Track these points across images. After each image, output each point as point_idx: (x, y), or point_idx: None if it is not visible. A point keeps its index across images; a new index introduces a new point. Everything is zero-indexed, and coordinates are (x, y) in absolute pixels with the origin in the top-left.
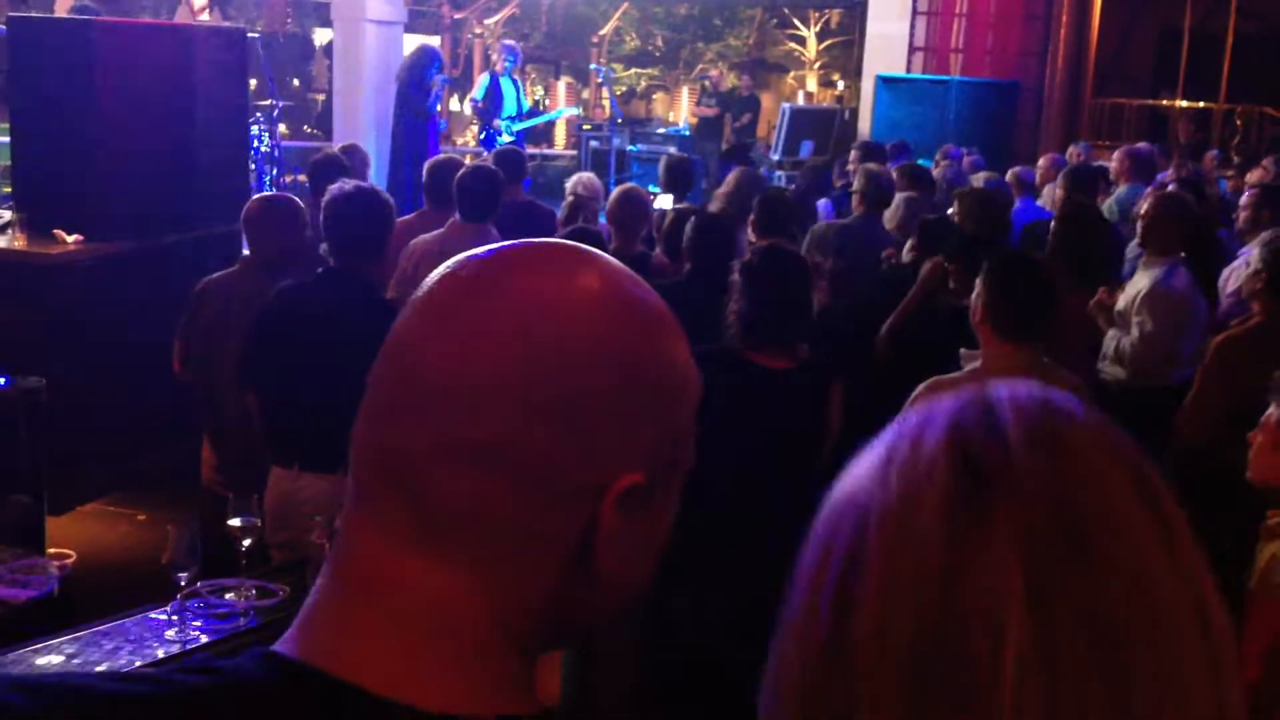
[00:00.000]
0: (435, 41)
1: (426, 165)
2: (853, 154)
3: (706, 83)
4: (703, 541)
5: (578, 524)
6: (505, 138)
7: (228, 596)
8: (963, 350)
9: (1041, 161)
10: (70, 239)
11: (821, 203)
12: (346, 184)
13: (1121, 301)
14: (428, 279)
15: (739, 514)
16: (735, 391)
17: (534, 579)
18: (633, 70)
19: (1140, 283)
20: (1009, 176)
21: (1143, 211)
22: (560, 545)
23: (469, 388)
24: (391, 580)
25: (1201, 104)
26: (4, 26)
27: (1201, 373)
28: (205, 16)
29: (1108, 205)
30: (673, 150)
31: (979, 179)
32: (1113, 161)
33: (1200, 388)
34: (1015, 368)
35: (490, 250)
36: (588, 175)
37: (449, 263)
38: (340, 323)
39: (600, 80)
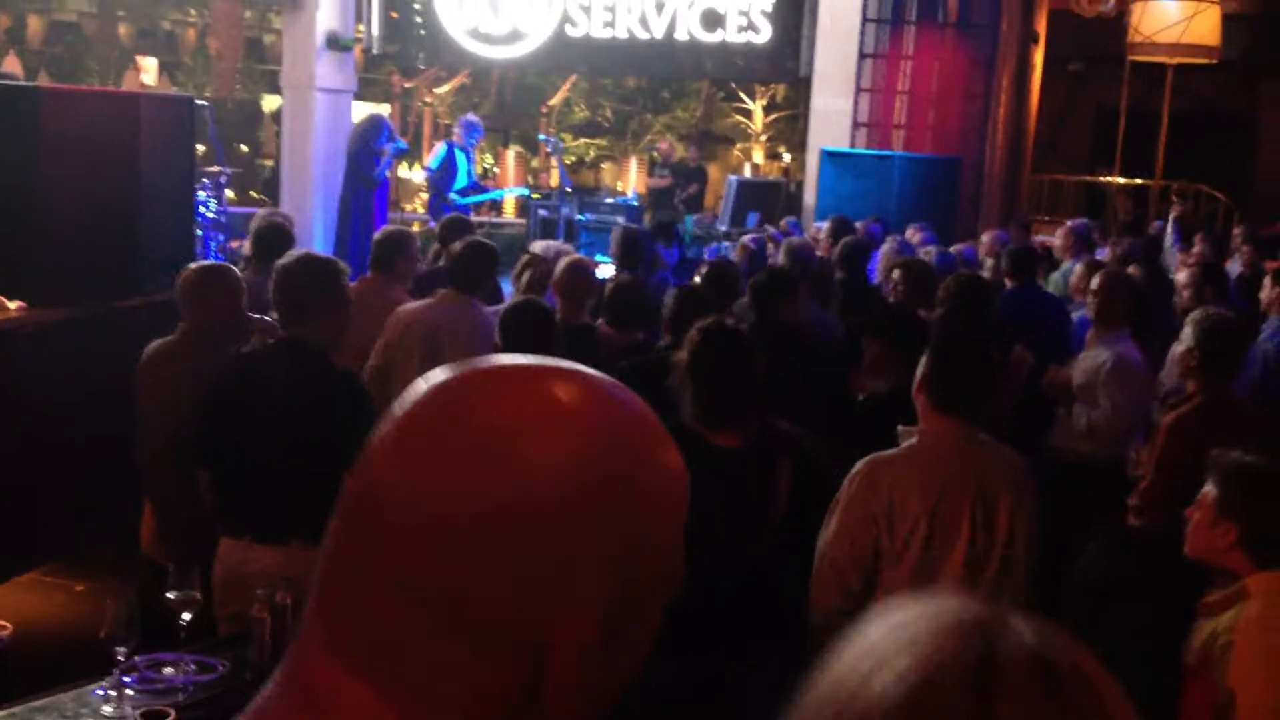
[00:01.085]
0: (385, 110)
1: (376, 234)
2: (825, 226)
3: (657, 154)
4: (679, 610)
5: (521, 674)
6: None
7: (166, 671)
8: (900, 427)
9: (985, 237)
10: (12, 305)
11: None
12: (296, 251)
13: (1080, 376)
14: (406, 394)
15: (690, 586)
16: (691, 471)
17: (473, 717)
18: (581, 140)
19: (1099, 356)
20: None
21: (1095, 287)
22: (500, 690)
23: (411, 522)
24: (329, 694)
25: (1139, 180)
26: None
27: (1157, 457)
28: (153, 82)
29: (1053, 280)
30: (621, 220)
31: (929, 253)
32: (1056, 238)
33: (1157, 472)
34: (951, 445)
35: (455, 375)
36: (557, 243)
37: (426, 381)
38: (293, 393)
39: (549, 150)
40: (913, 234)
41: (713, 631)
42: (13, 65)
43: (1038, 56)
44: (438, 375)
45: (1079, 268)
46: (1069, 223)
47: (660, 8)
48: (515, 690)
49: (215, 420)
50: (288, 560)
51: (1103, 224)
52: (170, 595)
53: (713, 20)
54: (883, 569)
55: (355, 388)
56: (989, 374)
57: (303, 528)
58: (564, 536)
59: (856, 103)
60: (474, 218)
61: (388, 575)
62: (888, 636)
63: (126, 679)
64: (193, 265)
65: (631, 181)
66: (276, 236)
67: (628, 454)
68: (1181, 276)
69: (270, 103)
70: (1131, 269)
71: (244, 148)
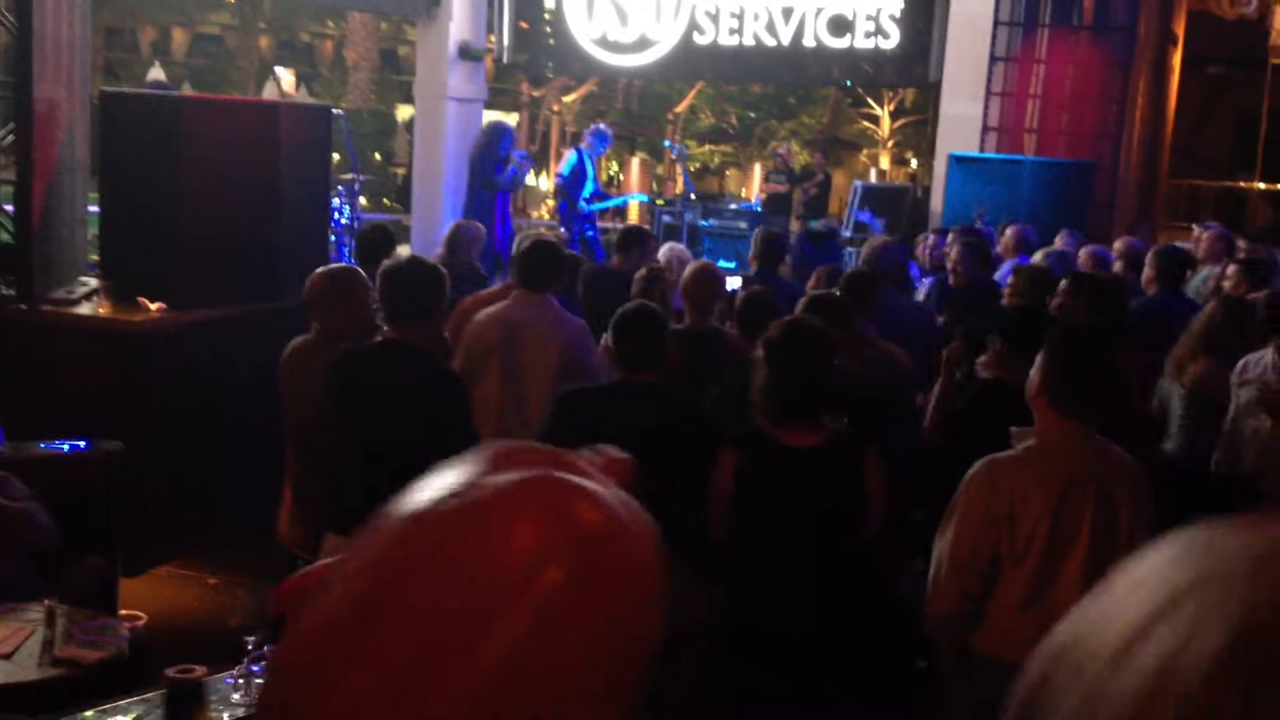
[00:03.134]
0: (514, 118)
1: (518, 242)
2: (951, 235)
3: (777, 160)
4: (752, 619)
5: None
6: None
7: None
8: (1014, 429)
9: (1117, 245)
10: (154, 307)
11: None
12: (399, 256)
13: None
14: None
15: (783, 592)
16: (765, 473)
17: None
18: (706, 147)
19: None
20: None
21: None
22: None
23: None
24: None
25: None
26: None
27: None
28: (293, 93)
29: (1193, 285)
30: (744, 225)
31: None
32: (1195, 243)
33: None
34: (1070, 446)
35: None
36: (679, 246)
37: (392, 519)
38: (394, 390)
39: (674, 156)
40: (1060, 241)
41: (810, 638)
42: (157, 76)
43: (1176, 59)
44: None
45: (1232, 272)
46: (1206, 227)
47: (788, 14)
48: None
49: (323, 413)
50: None
51: (1241, 230)
52: None
53: (841, 26)
54: (1002, 572)
55: (456, 387)
56: (1111, 375)
57: None
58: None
59: (987, 107)
60: (600, 223)
61: None
62: (1182, 565)
63: (254, 667)
64: (319, 270)
65: (756, 187)
66: (381, 239)
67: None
68: None
69: (403, 112)
70: None
71: (377, 156)
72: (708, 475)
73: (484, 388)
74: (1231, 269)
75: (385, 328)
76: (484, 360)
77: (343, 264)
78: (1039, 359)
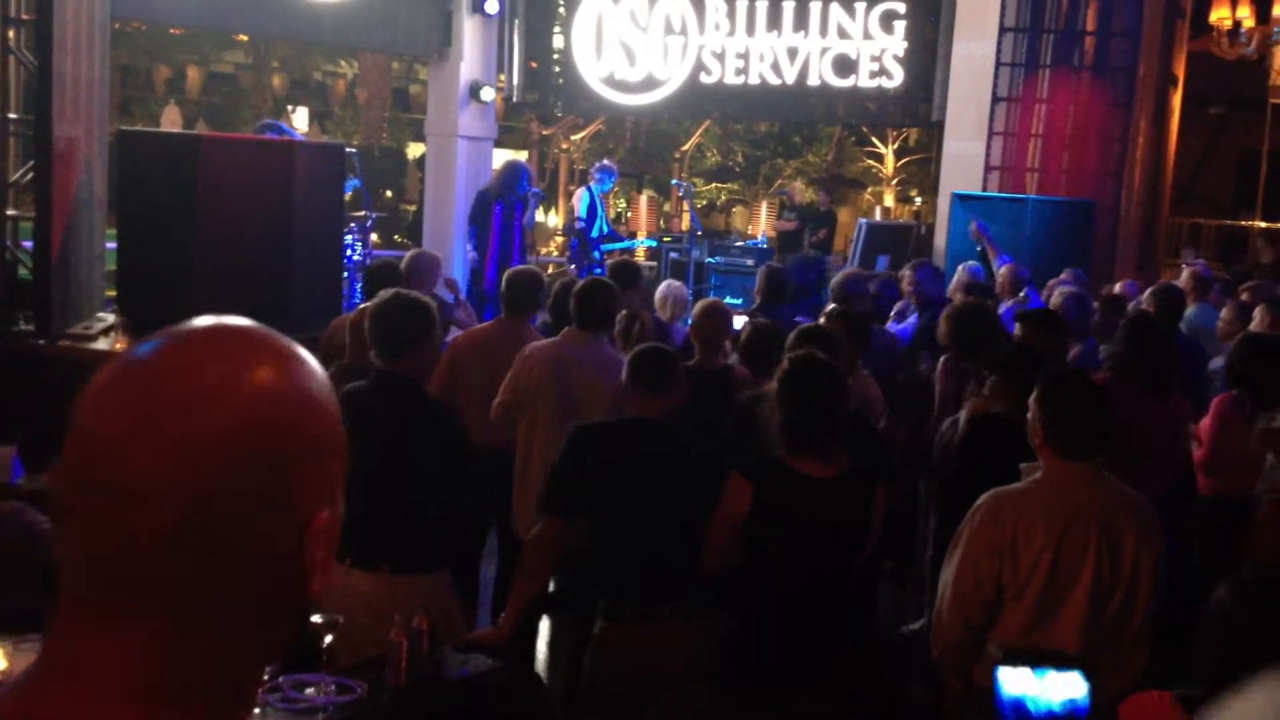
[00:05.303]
0: (523, 156)
1: (508, 275)
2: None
3: (784, 197)
4: (776, 643)
5: (281, 570)
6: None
7: (308, 691)
8: (1023, 465)
9: (1117, 287)
10: None
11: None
12: (386, 291)
13: None
14: (104, 367)
15: (803, 618)
16: (784, 503)
17: (244, 630)
18: (713, 184)
19: None
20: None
21: None
22: (267, 588)
23: (143, 480)
24: (79, 654)
25: None
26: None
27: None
28: (305, 129)
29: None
30: (750, 263)
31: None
32: (1181, 281)
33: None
34: (1076, 482)
35: (162, 340)
36: (677, 283)
37: (123, 354)
38: (388, 423)
39: (681, 194)
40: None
41: (815, 670)
42: (172, 115)
43: (1176, 99)
44: (135, 349)
45: (1226, 311)
46: (1188, 264)
47: (793, 54)
48: (282, 581)
49: None
50: (385, 587)
51: (1245, 268)
52: (315, 618)
53: (845, 66)
54: (1005, 603)
55: (450, 419)
56: (1104, 413)
57: (400, 554)
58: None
59: (989, 146)
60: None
61: (130, 529)
62: None
63: (271, 697)
64: (361, 306)
65: (762, 225)
66: (388, 276)
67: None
68: None
69: (414, 149)
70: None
71: (389, 193)
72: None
73: (535, 425)
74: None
75: (378, 362)
76: (534, 397)
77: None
78: (1033, 404)
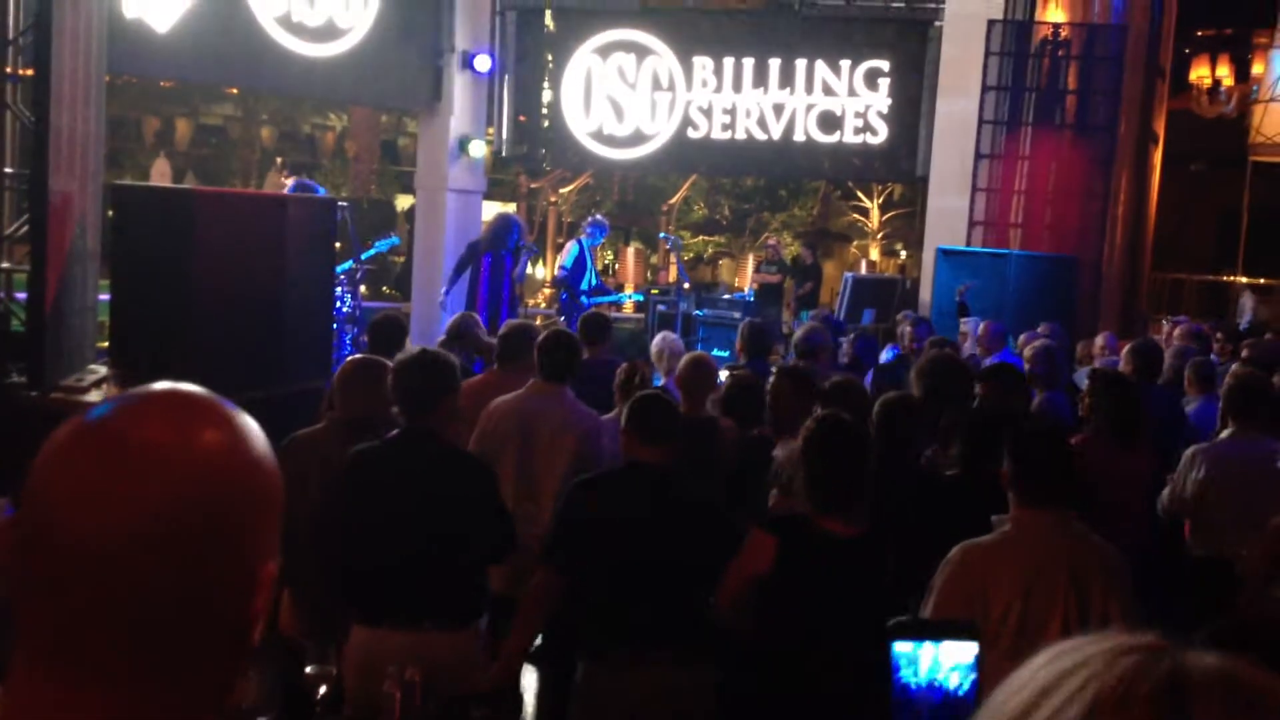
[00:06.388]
0: (511, 209)
1: (502, 329)
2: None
3: (767, 251)
4: (788, 700)
5: (232, 624)
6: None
7: None
8: (994, 516)
9: (1099, 340)
10: None
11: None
12: (411, 348)
13: None
14: (57, 432)
15: (818, 670)
16: (810, 560)
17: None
18: (700, 237)
19: None
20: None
21: None
22: (228, 640)
23: (111, 553)
24: (31, 704)
25: (1262, 280)
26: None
27: (1263, 555)
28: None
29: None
30: (737, 315)
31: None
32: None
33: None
34: (1044, 532)
35: (113, 406)
36: (672, 336)
37: (76, 420)
38: (424, 482)
39: (669, 247)
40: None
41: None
42: (162, 167)
43: (1157, 157)
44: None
45: (1188, 371)
46: (1176, 321)
47: (779, 111)
48: (240, 629)
49: (350, 510)
50: (422, 643)
51: (1226, 323)
52: (309, 670)
53: (830, 123)
54: None
55: (484, 471)
56: (1069, 463)
57: (436, 610)
58: (245, 520)
59: (973, 201)
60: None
61: (81, 589)
62: (1052, 665)
63: None
64: (352, 358)
65: (748, 277)
66: (392, 330)
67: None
68: None
69: (403, 201)
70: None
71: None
72: (715, 558)
73: (500, 478)
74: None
75: (402, 419)
76: (499, 448)
77: (374, 356)
78: (1005, 455)
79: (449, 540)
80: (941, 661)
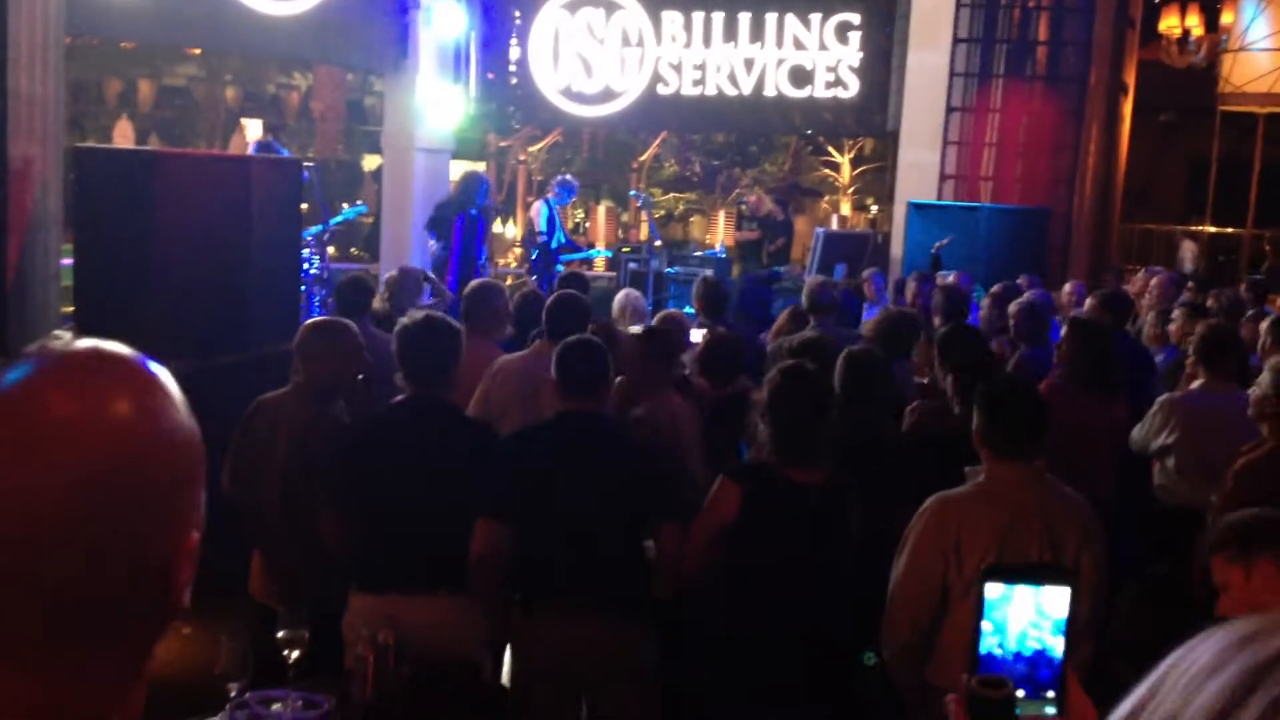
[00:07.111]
0: (480, 167)
1: (467, 289)
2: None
3: (744, 207)
4: (748, 639)
5: (155, 594)
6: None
7: (274, 707)
8: (967, 468)
9: (1066, 287)
10: None
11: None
12: (417, 313)
13: None
14: None
15: (781, 614)
16: (775, 506)
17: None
18: (671, 195)
19: None
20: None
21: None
22: (152, 609)
23: (16, 536)
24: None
25: (1230, 230)
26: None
27: (1222, 500)
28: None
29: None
30: (708, 274)
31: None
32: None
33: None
34: (1017, 484)
35: (26, 370)
36: (635, 293)
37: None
38: (428, 445)
39: (640, 204)
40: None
41: (791, 676)
42: (124, 129)
43: (1127, 107)
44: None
45: (1177, 314)
46: (1151, 271)
47: (749, 65)
48: (162, 598)
49: (358, 475)
50: (435, 607)
51: (1183, 274)
52: (280, 634)
53: (801, 77)
54: (950, 604)
55: (495, 437)
56: (1041, 416)
57: (447, 577)
58: (165, 491)
59: (944, 155)
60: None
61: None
62: (1241, 659)
63: (237, 714)
64: (310, 321)
65: (720, 235)
66: (359, 291)
67: (172, 452)
68: (1263, 326)
69: (370, 162)
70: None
71: (345, 205)
72: (645, 507)
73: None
74: (1177, 312)
75: (405, 386)
76: (504, 408)
77: (334, 318)
78: (975, 409)
79: (464, 508)
80: (1042, 606)
